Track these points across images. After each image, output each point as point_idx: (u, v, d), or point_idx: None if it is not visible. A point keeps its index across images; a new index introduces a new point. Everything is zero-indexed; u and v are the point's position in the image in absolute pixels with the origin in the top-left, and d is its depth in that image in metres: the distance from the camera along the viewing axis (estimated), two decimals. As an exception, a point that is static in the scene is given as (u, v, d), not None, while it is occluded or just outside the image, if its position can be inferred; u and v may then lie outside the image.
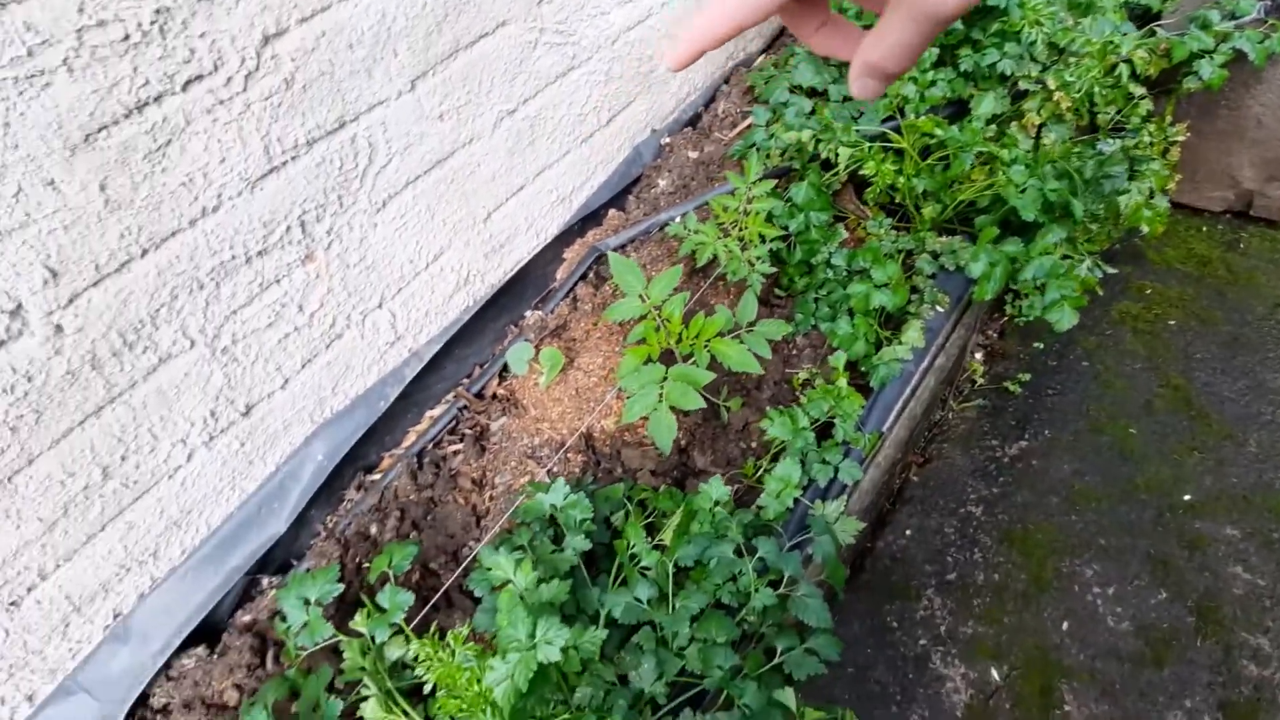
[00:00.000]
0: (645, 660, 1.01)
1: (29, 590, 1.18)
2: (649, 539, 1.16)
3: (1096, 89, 1.51)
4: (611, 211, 2.03)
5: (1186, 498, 1.54)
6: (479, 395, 1.70)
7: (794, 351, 1.66)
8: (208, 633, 1.40)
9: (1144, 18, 1.81)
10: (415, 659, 1.15)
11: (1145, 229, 1.55)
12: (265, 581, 1.50)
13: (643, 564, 1.10)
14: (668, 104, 2.13)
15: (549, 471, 1.46)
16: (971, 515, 1.62)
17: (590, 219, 2.00)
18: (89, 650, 1.29)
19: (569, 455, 1.50)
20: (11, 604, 1.16)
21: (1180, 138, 1.65)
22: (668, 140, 2.14)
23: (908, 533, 1.62)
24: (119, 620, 1.31)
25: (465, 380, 1.78)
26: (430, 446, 1.63)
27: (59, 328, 1.07)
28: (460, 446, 1.59)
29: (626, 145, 2.05)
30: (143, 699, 1.31)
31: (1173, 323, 1.82)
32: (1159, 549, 1.49)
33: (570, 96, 1.80)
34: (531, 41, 1.63)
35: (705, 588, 1.08)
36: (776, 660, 1.00)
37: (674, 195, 1.99)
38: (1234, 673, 1.33)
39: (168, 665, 1.34)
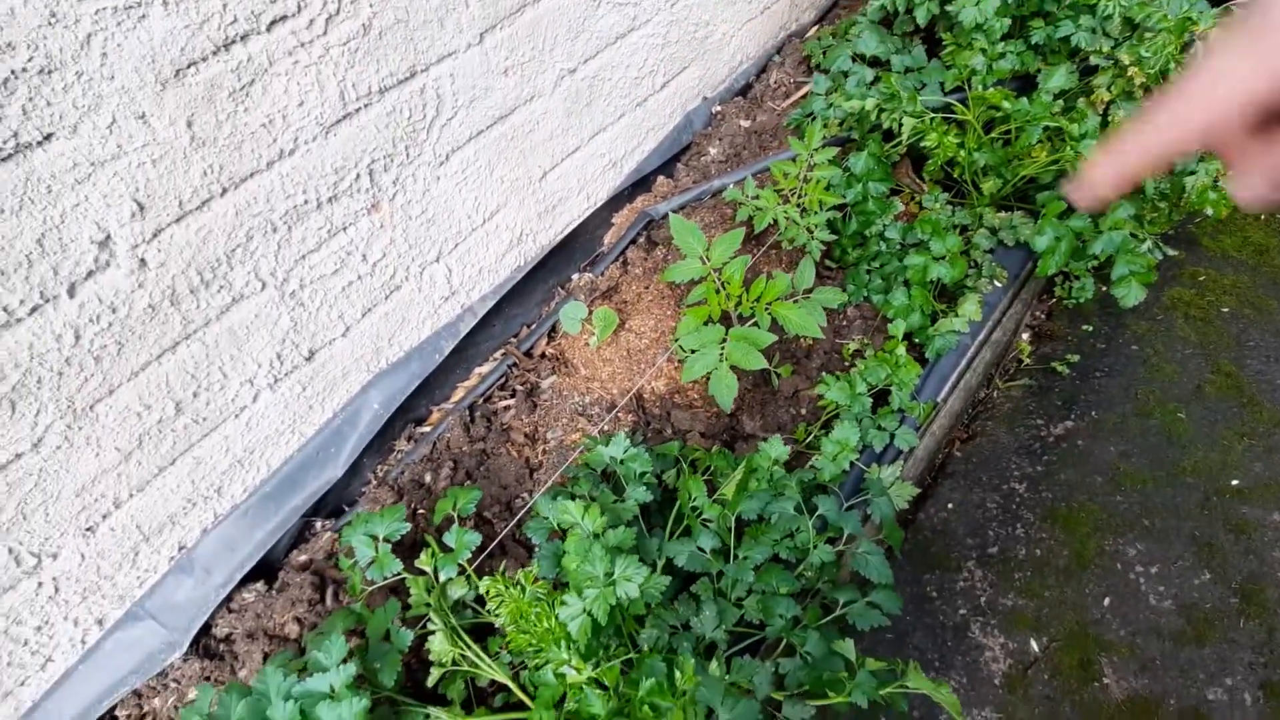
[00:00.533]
0: (706, 608, 1.04)
1: (104, 517, 1.22)
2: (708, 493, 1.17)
3: (1172, 65, 1.48)
4: (660, 178, 2.03)
5: (1234, 483, 1.54)
6: (528, 354, 1.72)
7: (844, 322, 1.66)
8: (265, 570, 1.45)
9: (1217, -4, 1.76)
10: (478, 599, 1.18)
11: (1210, 211, 1.53)
12: (319, 524, 1.54)
13: (704, 516, 1.12)
14: (720, 72, 2.12)
15: (600, 430, 1.48)
16: (1014, 491, 1.63)
17: (640, 185, 2.00)
18: (155, 580, 1.33)
19: (619, 415, 1.52)
20: (88, 529, 1.20)
21: (1247, 121, 1.62)
22: (719, 109, 2.13)
23: (949, 506, 1.63)
24: (183, 552, 1.35)
25: (513, 339, 1.80)
26: (481, 401, 1.65)
27: (143, 261, 1.10)
28: (511, 402, 1.61)
29: (678, 112, 2.04)
30: (206, 629, 1.36)
31: (1226, 310, 1.80)
32: (1204, 532, 1.50)
33: (628, 59, 1.79)
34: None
35: (764, 542, 1.10)
36: (837, 613, 1.02)
37: (725, 164, 1.98)
38: (1277, 654, 1.34)
39: (229, 598, 1.39)
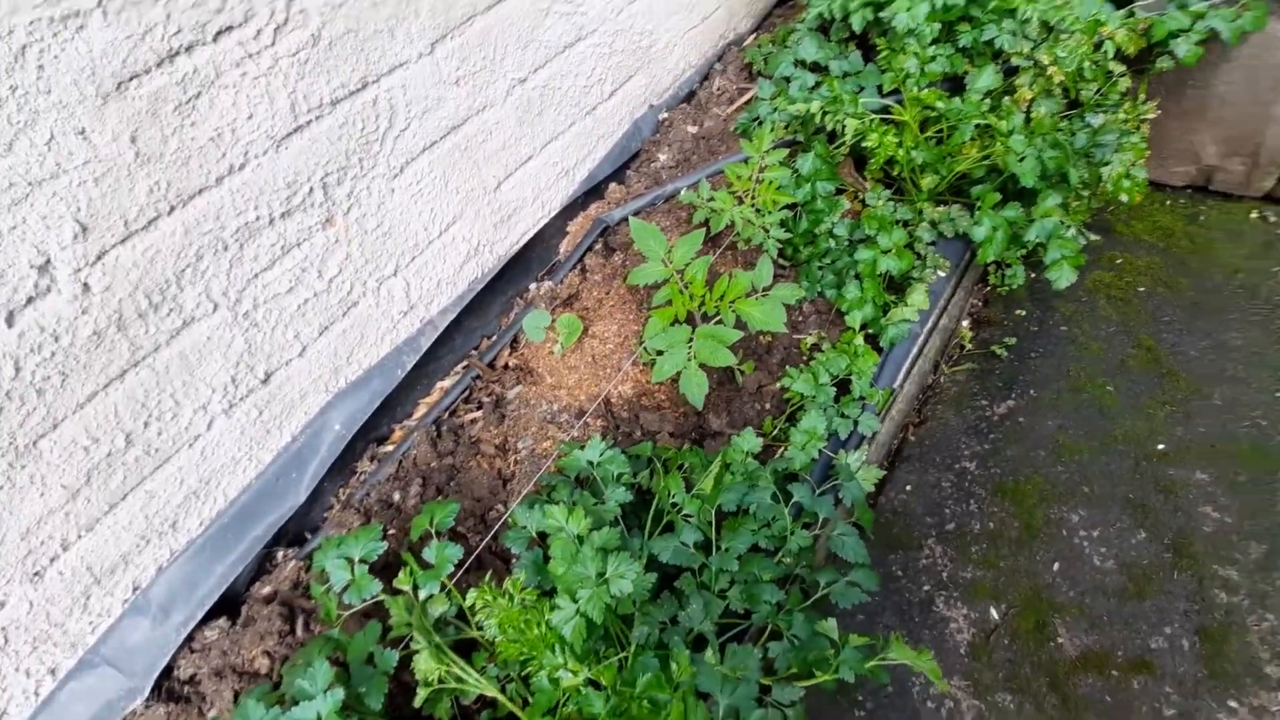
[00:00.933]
0: (692, 601, 1.06)
1: (52, 561, 1.14)
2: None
3: (1085, 64, 1.61)
4: (613, 185, 2.05)
5: (1160, 447, 1.67)
6: (491, 365, 1.71)
7: (800, 317, 1.72)
8: (227, 605, 1.38)
9: (1119, 0, 1.92)
10: (460, 615, 1.16)
11: (1125, 198, 1.66)
12: (281, 554, 1.48)
13: (685, 512, 1.14)
14: (665, 80, 2.16)
15: (571, 437, 1.49)
16: (966, 470, 1.71)
17: (592, 192, 2.02)
18: (109, 624, 1.25)
19: (588, 421, 1.52)
20: (35, 575, 1.12)
21: (1150, 115, 1.76)
22: (666, 115, 2.17)
23: (907, 488, 1.70)
24: (139, 593, 1.28)
25: (474, 351, 1.78)
26: (446, 415, 1.63)
27: (86, 286, 1.04)
28: (478, 414, 1.60)
29: (627, 119, 2.07)
30: (167, 671, 1.29)
31: (1142, 289, 1.95)
32: (1137, 494, 1.62)
33: (577, 67, 1.81)
34: (544, 9, 1.64)
35: (744, 532, 1.13)
36: (819, 594, 1.06)
37: (675, 169, 2.02)
38: (1208, 601, 1.46)
39: (191, 638, 1.32)
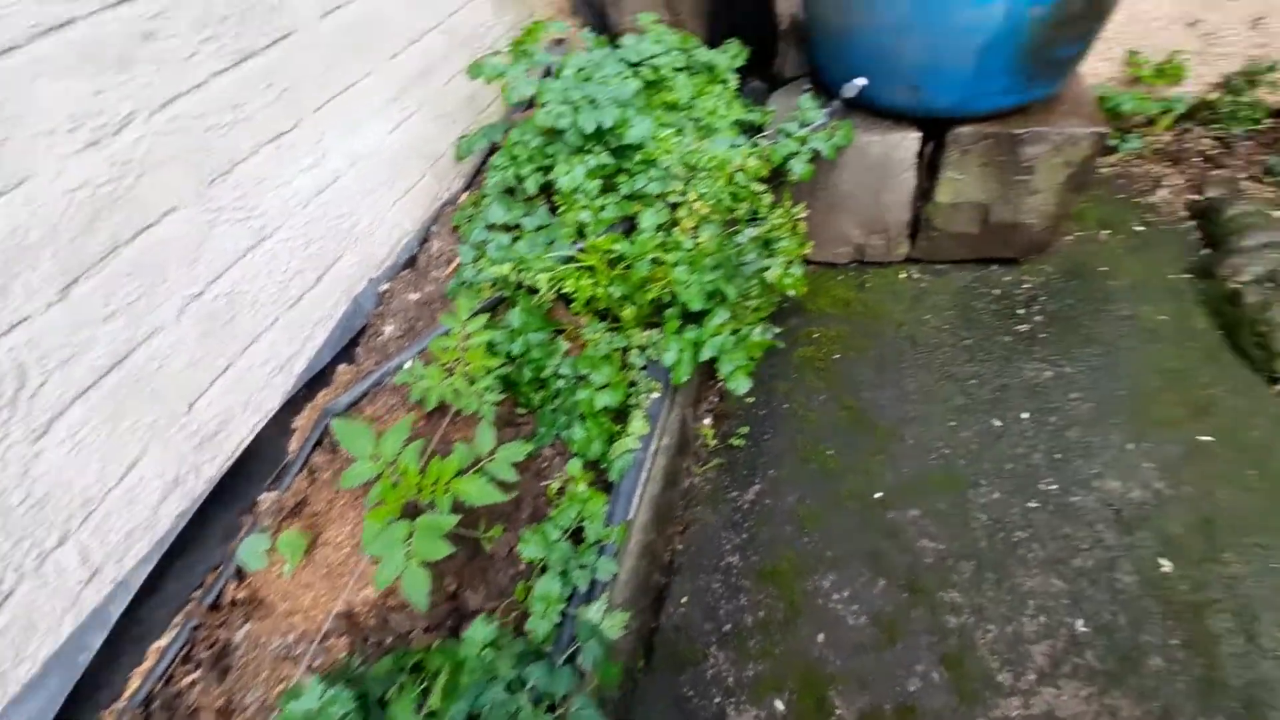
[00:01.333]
0: (437, 842, 0.97)
1: None
2: (421, 707, 1.12)
3: (725, 194, 1.89)
4: (341, 367, 2.00)
5: (878, 495, 1.90)
6: (215, 606, 1.52)
7: (544, 464, 1.75)
8: None
9: (752, 130, 2.30)
10: None
11: (792, 292, 1.93)
12: None
13: (417, 739, 1.07)
14: (380, 252, 2.18)
15: (310, 667, 1.35)
16: (731, 565, 1.81)
17: (318, 380, 1.94)
18: None
19: (330, 642, 1.40)
20: None
21: (802, 215, 2.10)
22: (386, 286, 2.18)
23: (684, 600, 1.76)
24: None
25: (196, 592, 1.58)
26: (160, 686, 1.41)
27: None
28: (197, 674, 1.40)
29: (344, 299, 2.05)
30: None
31: (837, 356, 2.26)
32: (870, 544, 1.81)
33: (267, 266, 1.77)
34: (209, 222, 1.59)
35: (486, 738, 1.08)
36: (565, 786, 1.03)
37: (402, 339, 2.02)
38: (941, 628, 1.64)
39: None
